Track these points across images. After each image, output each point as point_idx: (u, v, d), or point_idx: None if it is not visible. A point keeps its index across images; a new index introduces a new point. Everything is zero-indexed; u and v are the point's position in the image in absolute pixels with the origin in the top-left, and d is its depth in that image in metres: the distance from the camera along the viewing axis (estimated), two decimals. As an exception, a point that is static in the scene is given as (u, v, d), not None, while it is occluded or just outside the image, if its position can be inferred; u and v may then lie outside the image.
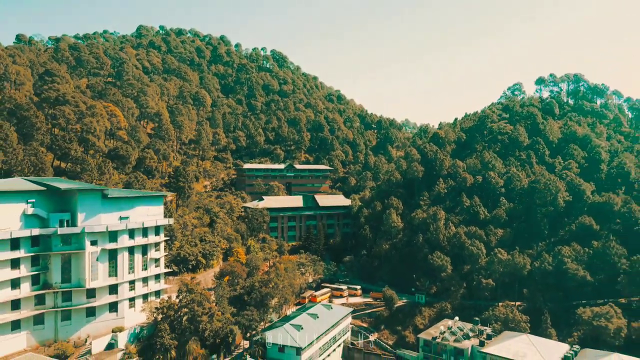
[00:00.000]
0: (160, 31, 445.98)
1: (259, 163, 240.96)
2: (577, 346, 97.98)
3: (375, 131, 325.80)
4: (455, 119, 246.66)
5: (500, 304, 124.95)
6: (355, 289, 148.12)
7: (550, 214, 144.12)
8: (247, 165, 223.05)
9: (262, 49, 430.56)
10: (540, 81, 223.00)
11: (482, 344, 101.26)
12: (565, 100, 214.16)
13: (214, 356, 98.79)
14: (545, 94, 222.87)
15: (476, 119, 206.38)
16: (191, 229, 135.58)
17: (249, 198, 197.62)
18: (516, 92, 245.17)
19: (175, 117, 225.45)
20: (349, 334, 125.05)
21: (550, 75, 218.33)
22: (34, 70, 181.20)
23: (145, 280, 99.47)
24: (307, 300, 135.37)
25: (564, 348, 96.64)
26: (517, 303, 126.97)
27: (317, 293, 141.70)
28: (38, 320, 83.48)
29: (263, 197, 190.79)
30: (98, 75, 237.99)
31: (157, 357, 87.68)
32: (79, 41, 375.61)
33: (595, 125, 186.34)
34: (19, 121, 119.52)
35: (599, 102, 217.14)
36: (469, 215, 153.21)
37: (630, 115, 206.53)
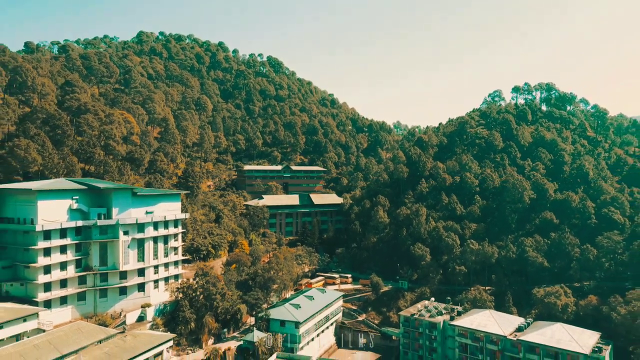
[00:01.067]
0: (160, 37, 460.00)
1: (257, 165, 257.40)
2: (530, 319, 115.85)
3: (367, 134, 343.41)
4: (440, 124, 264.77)
5: (472, 288, 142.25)
6: (347, 277, 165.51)
7: (517, 209, 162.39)
8: (247, 167, 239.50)
9: (259, 55, 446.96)
10: (516, 89, 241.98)
11: (452, 318, 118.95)
12: (538, 107, 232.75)
13: (225, 330, 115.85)
14: (521, 101, 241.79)
15: (457, 124, 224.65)
16: (200, 224, 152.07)
17: (250, 197, 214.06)
18: (496, 99, 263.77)
19: (180, 122, 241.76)
20: (340, 314, 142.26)
21: (525, 84, 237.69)
22: (52, 80, 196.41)
23: (166, 265, 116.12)
24: (303, 286, 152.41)
25: (519, 320, 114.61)
26: (487, 287, 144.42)
27: (313, 280, 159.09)
28: (81, 297, 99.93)
29: (263, 196, 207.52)
30: (107, 82, 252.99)
31: (180, 328, 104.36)
32: (80, 46, 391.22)
33: (562, 130, 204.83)
34: (51, 129, 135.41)
35: (570, 108, 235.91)
36: (447, 212, 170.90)
37: (596, 122, 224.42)
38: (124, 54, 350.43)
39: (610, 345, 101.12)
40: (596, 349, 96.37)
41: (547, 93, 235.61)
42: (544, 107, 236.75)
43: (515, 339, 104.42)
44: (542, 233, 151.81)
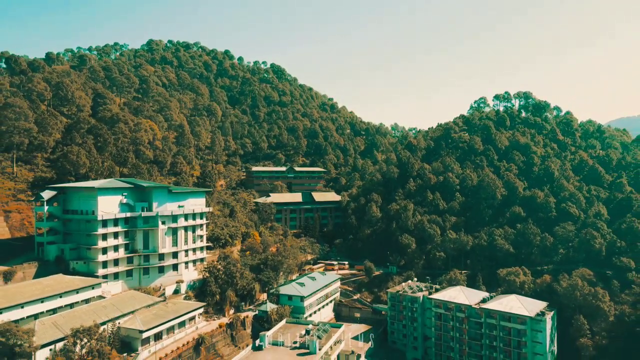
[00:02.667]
0: (169, 44, 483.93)
1: (263, 166, 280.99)
2: (494, 294, 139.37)
3: (364, 137, 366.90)
4: (430, 128, 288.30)
5: (450, 271, 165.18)
6: (344, 264, 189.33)
7: (492, 205, 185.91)
8: (254, 168, 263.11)
9: (263, 62, 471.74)
10: (497, 97, 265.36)
11: (430, 294, 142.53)
12: (517, 114, 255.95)
13: (243, 303, 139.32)
14: (502, 108, 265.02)
15: (443, 130, 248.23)
16: (217, 217, 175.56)
17: (258, 195, 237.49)
18: (481, 105, 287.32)
19: (194, 127, 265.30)
20: (338, 294, 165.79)
21: (505, 92, 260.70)
22: (84, 91, 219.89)
23: (194, 250, 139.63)
24: (306, 271, 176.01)
25: (484, 294, 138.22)
26: (463, 271, 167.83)
27: (315, 267, 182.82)
28: (129, 273, 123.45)
29: (269, 194, 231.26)
30: (128, 92, 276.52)
31: (207, 299, 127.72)
32: (93, 53, 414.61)
33: (535, 135, 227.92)
34: (94, 137, 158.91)
35: (547, 115, 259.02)
36: (431, 207, 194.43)
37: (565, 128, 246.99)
38: (138, 63, 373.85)
39: (554, 312, 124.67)
40: (540, 314, 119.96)
41: (525, 101, 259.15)
42: (523, 114, 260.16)
43: (478, 307, 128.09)
44: (511, 225, 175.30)
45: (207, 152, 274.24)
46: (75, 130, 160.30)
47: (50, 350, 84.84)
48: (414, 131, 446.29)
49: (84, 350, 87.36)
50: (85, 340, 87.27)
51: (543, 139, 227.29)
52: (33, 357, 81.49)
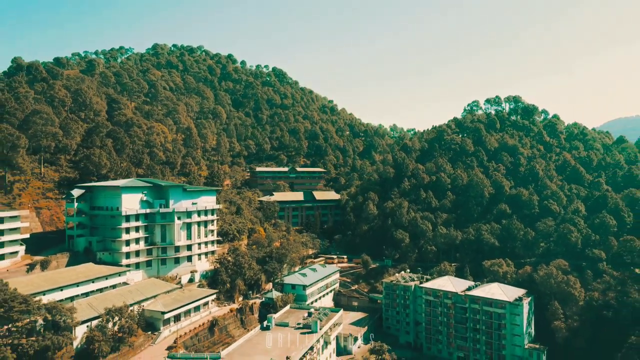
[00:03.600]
0: (173, 48, 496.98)
1: (266, 166, 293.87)
2: (479, 283, 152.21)
3: (363, 139, 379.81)
4: (425, 130, 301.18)
5: (440, 263, 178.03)
6: (343, 258, 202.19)
7: (480, 202, 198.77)
8: (258, 169, 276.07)
9: (265, 66, 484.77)
10: (488, 101, 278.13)
11: (421, 283, 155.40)
12: (507, 117, 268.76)
13: (250, 292, 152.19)
14: (493, 111, 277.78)
15: (436, 132, 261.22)
16: (225, 214, 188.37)
17: (261, 194, 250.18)
18: (474, 108, 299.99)
19: (200, 129, 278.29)
20: (337, 285, 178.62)
21: (496, 97, 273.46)
22: (99, 96, 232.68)
23: (206, 243, 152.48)
24: (308, 264, 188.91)
25: (469, 283, 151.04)
26: (453, 263, 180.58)
27: (315, 260, 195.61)
28: (148, 263, 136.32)
29: (273, 193, 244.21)
30: (138, 96, 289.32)
31: (219, 287, 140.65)
32: (99, 57, 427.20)
33: (523, 137, 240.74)
34: (113, 140, 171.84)
35: (535, 118, 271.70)
36: (424, 205, 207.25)
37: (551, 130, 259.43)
38: (145, 67, 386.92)
39: (531, 298, 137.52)
40: (518, 299, 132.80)
41: (515, 104, 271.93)
42: (513, 117, 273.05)
43: (463, 294, 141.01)
44: (497, 221, 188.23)
45: (213, 153, 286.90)
46: (95, 134, 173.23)
47: (87, 326, 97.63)
48: (412, 132, 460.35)
49: (115, 327, 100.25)
50: (116, 318, 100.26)
51: (530, 140, 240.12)
52: (73, 331, 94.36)
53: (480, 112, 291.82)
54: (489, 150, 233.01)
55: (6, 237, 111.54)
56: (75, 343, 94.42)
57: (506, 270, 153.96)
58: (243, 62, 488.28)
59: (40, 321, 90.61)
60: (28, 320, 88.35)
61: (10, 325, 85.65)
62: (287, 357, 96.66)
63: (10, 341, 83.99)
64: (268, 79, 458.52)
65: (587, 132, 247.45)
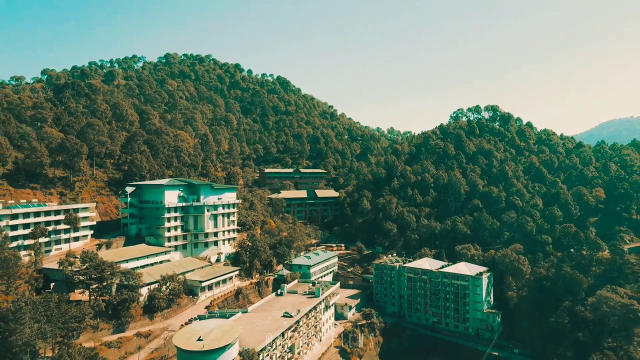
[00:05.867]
0: (183, 57, 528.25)
1: (273, 168, 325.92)
2: (451, 263, 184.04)
3: (360, 142, 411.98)
4: (414, 136, 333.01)
5: (422, 249, 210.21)
6: (341, 246, 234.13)
7: (458, 199, 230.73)
8: (267, 170, 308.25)
9: (270, 75, 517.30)
10: (470, 110, 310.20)
11: (404, 264, 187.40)
12: (486, 124, 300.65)
13: (265, 271, 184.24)
14: (473, 119, 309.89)
15: (423, 137, 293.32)
16: (241, 208, 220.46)
17: (270, 192, 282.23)
18: (459, 115, 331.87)
19: (215, 135, 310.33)
20: (336, 267, 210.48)
21: (477, 106, 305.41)
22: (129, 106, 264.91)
23: (228, 231, 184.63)
24: (311, 250, 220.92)
25: (443, 263, 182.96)
26: (433, 250, 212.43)
27: (317, 248, 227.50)
28: (184, 247, 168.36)
29: (280, 191, 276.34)
30: (159, 106, 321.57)
31: (240, 266, 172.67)
32: (115, 65, 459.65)
33: (498, 142, 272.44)
34: (149, 147, 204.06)
35: (510, 125, 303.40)
36: (410, 201, 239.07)
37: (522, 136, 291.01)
38: (161, 77, 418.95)
39: (490, 273, 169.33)
40: (479, 274, 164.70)
41: (493, 113, 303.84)
42: (493, 125, 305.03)
43: (437, 271, 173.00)
44: (471, 214, 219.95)
45: (226, 156, 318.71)
46: (134, 141, 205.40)
47: (148, 288, 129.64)
48: (408, 134, 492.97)
49: (167, 290, 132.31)
50: (169, 283, 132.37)
51: (504, 145, 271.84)
52: (139, 291, 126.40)
53: (464, 119, 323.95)
54: (468, 154, 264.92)
55: (81, 224, 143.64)
56: (141, 299, 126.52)
57: (474, 253, 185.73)
58: (249, 71, 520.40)
59: (117, 282, 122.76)
60: (110, 281, 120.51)
61: (99, 284, 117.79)
62: (298, 310, 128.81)
63: (99, 295, 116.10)
64: (273, 86, 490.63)
65: (552, 138, 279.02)
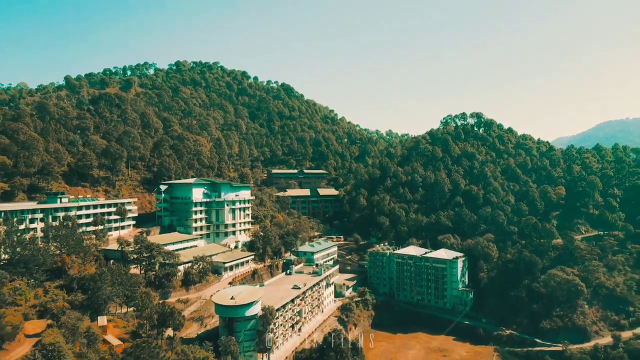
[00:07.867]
0: (193, 64, 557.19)
1: (279, 169, 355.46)
2: (432, 250, 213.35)
3: (358, 145, 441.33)
4: (406, 140, 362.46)
5: (410, 239, 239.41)
6: (340, 237, 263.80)
7: (442, 196, 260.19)
8: (274, 171, 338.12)
9: (275, 82, 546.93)
10: (456, 116, 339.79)
11: (394, 251, 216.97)
12: (471, 129, 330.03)
13: (275, 257, 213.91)
14: (460, 124, 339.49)
15: (414, 142, 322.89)
16: (253, 204, 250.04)
17: (276, 190, 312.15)
18: (449, 121, 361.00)
19: (227, 139, 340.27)
20: (336, 255, 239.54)
21: (462, 113, 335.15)
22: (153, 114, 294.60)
23: (244, 223, 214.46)
24: (314, 241, 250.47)
25: (427, 250, 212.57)
26: (420, 240, 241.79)
27: (320, 239, 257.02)
28: (207, 236, 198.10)
29: (286, 189, 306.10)
30: (177, 112, 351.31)
31: (255, 252, 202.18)
32: (129, 73, 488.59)
33: (480, 146, 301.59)
34: (174, 150, 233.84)
35: (493, 130, 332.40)
36: (401, 198, 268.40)
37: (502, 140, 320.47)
38: (174, 85, 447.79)
39: (465, 258, 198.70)
40: (455, 258, 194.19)
41: (477, 119, 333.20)
42: (478, 130, 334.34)
43: (421, 256, 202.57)
44: (453, 209, 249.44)
45: (237, 158, 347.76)
46: (161, 146, 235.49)
47: (183, 267, 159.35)
48: (404, 136, 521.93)
49: (198, 268, 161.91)
50: (199, 263, 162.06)
51: (486, 148, 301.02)
52: (177, 268, 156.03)
53: (452, 124, 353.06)
54: (453, 157, 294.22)
55: (128, 215, 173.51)
56: (179, 275, 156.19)
57: (453, 242, 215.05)
58: (256, 78, 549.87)
59: (160, 260, 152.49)
60: (155, 259, 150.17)
61: (148, 261, 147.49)
62: (304, 284, 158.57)
63: (147, 270, 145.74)
64: (277, 93, 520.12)
65: (528, 142, 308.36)
